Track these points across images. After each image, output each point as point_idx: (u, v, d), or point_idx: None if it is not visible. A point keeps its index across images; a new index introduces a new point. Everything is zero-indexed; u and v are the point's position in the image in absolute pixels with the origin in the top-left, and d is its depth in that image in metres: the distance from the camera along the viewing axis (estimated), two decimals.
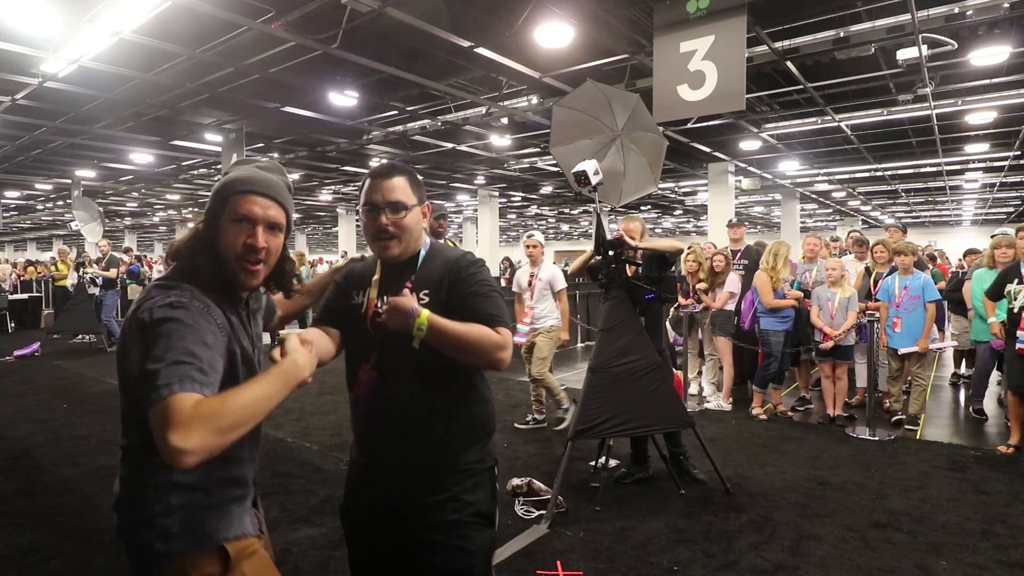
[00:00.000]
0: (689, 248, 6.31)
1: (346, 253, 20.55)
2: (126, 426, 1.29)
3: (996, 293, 4.66)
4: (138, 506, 1.24)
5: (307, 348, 1.28)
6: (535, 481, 3.62)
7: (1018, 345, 4.36)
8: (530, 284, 5.17)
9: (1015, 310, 4.41)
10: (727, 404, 5.91)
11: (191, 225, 1.34)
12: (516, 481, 3.63)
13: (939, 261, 9.49)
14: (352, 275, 1.73)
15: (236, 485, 1.33)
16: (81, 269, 10.36)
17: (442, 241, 5.35)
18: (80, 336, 10.68)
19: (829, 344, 5.24)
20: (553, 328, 5.13)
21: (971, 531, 3.24)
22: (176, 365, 1.08)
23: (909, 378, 5.41)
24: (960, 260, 8.69)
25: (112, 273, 9.70)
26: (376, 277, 1.65)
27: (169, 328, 1.14)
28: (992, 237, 5.59)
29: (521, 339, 5.12)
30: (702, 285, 6.02)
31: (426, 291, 1.56)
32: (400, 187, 1.58)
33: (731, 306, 5.93)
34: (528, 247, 5.23)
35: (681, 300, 6.17)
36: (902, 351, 5.23)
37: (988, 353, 5.34)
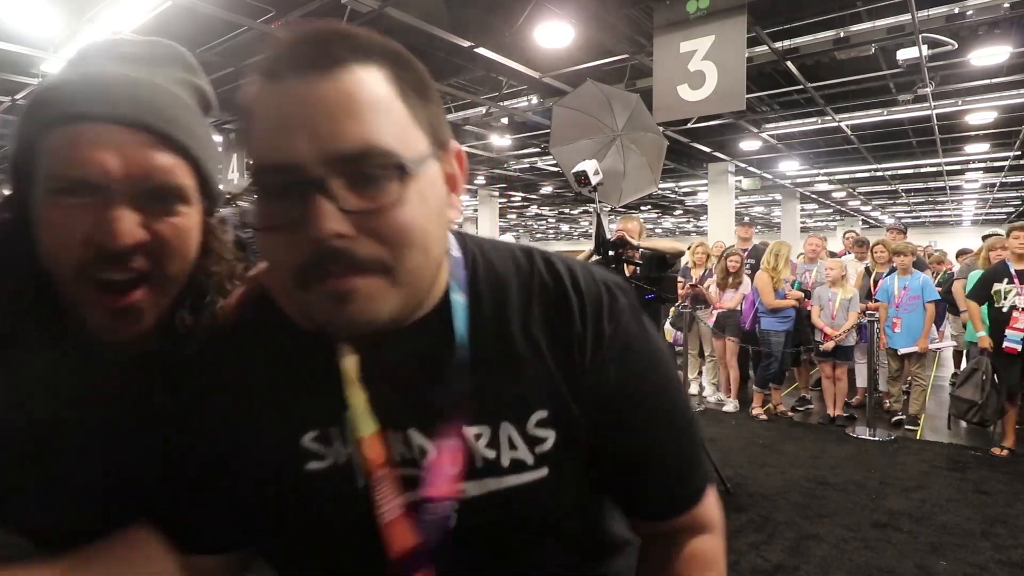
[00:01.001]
0: (698, 244, 6.36)
1: None
2: None
3: (982, 295, 4.60)
4: None
5: None
6: None
7: (1007, 344, 4.33)
8: None
9: (1004, 309, 4.38)
10: (733, 404, 5.93)
11: None
12: None
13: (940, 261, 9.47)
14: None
15: None
16: None
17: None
18: None
19: (830, 345, 5.24)
20: None
21: (971, 531, 3.24)
22: None
23: (909, 378, 5.40)
24: (947, 261, 8.65)
25: None
26: (351, 376, 0.59)
27: None
28: (985, 239, 5.57)
29: None
30: (712, 292, 6.01)
31: (545, 412, 0.60)
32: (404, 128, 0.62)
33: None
34: None
35: (680, 291, 6.19)
36: (902, 351, 5.23)
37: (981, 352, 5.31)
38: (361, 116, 0.50)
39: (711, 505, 0.71)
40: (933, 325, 5.40)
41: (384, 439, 0.57)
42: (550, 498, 0.60)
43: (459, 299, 0.60)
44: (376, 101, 0.51)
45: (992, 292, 4.51)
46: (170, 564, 0.62)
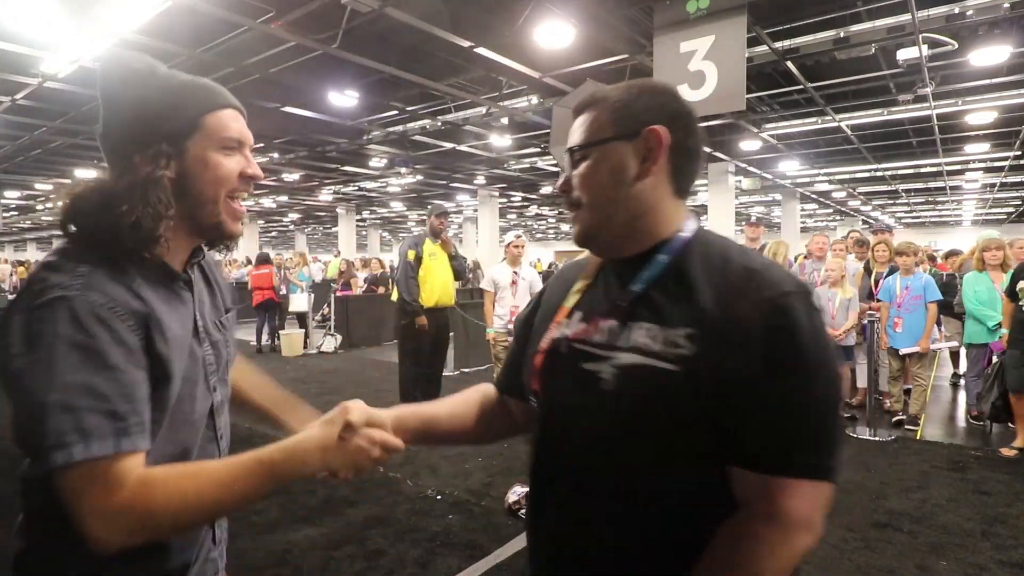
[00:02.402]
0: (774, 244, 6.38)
1: (339, 252, 20.55)
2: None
3: (1012, 291, 4.57)
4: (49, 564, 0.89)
5: (372, 438, 0.89)
6: None
7: None
8: (513, 283, 5.15)
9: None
10: None
11: (80, 178, 1.00)
12: (512, 497, 3.52)
13: (939, 261, 9.46)
14: (555, 285, 1.06)
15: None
16: None
17: (439, 240, 5.36)
18: None
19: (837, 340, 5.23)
20: None
21: (971, 531, 3.24)
22: (72, 412, 0.75)
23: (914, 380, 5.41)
24: (942, 262, 8.62)
25: None
26: (581, 284, 0.99)
27: (55, 350, 0.76)
28: (978, 240, 5.55)
29: (502, 331, 5.05)
30: None
31: (691, 330, 0.81)
32: (581, 123, 0.92)
33: None
34: (516, 247, 5.21)
35: None
36: (903, 351, 5.23)
37: (981, 356, 5.25)
38: (577, 130, 0.92)
39: (803, 499, 0.77)
40: (935, 325, 5.40)
41: (570, 314, 0.96)
42: (675, 391, 0.79)
43: (662, 258, 0.87)
44: (590, 121, 0.91)
45: (1017, 290, 4.48)
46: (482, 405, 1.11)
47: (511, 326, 5.02)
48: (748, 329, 0.77)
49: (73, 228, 0.88)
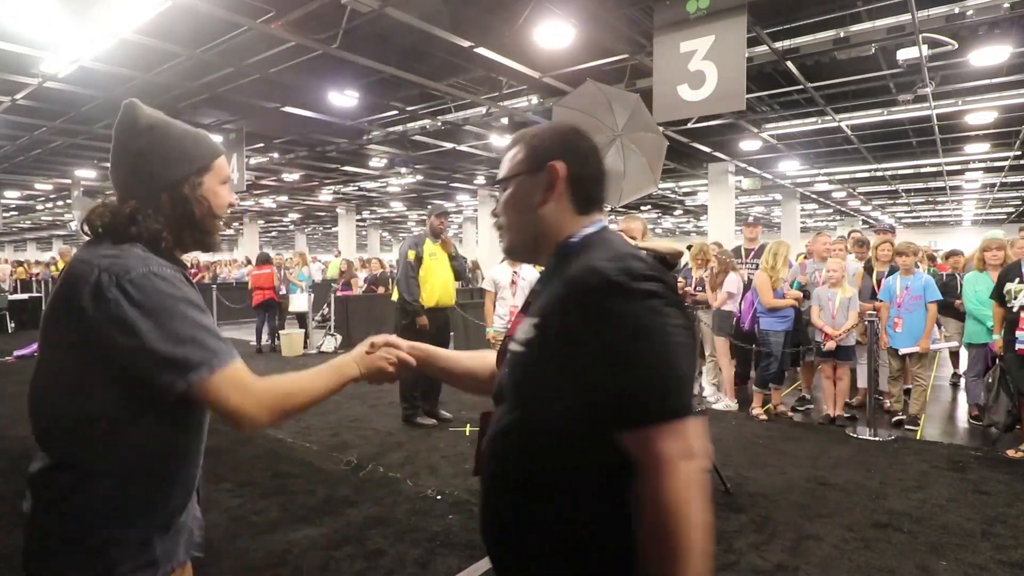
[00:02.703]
0: (699, 244, 6.40)
1: (339, 252, 20.54)
2: (55, 439, 1.18)
3: (999, 294, 4.59)
4: (68, 538, 1.09)
5: (388, 353, 1.30)
6: None
7: (1018, 346, 4.32)
8: (513, 283, 5.07)
9: (1014, 309, 4.37)
10: (733, 403, 5.95)
11: (108, 197, 1.19)
12: None
13: (939, 261, 9.45)
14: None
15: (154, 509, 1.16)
16: None
17: (439, 240, 5.36)
18: None
19: (832, 345, 5.24)
20: None
21: (971, 531, 3.24)
22: (197, 343, 1.06)
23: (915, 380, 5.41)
24: (942, 262, 8.61)
25: None
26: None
27: (169, 303, 1.06)
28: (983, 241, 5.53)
29: (502, 330, 4.96)
30: (704, 295, 6.04)
31: (536, 320, 0.99)
32: (508, 158, 1.13)
33: (731, 306, 5.93)
34: None
35: (683, 289, 6.20)
36: (903, 351, 5.23)
37: (981, 356, 5.23)
38: (503, 165, 1.13)
39: (671, 439, 0.85)
40: (935, 325, 5.40)
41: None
42: (525, 369, 1.00)
43: (551, 262, 1.07)
44: (510, 157, 1.12)
45: (1004, 292, 4.48)
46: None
47: (497, 319, 5.05)
48: (559, 306, 0.95)
49: (113, 232, 1.14)
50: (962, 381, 6.72)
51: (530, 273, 5.07)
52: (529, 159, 1.08)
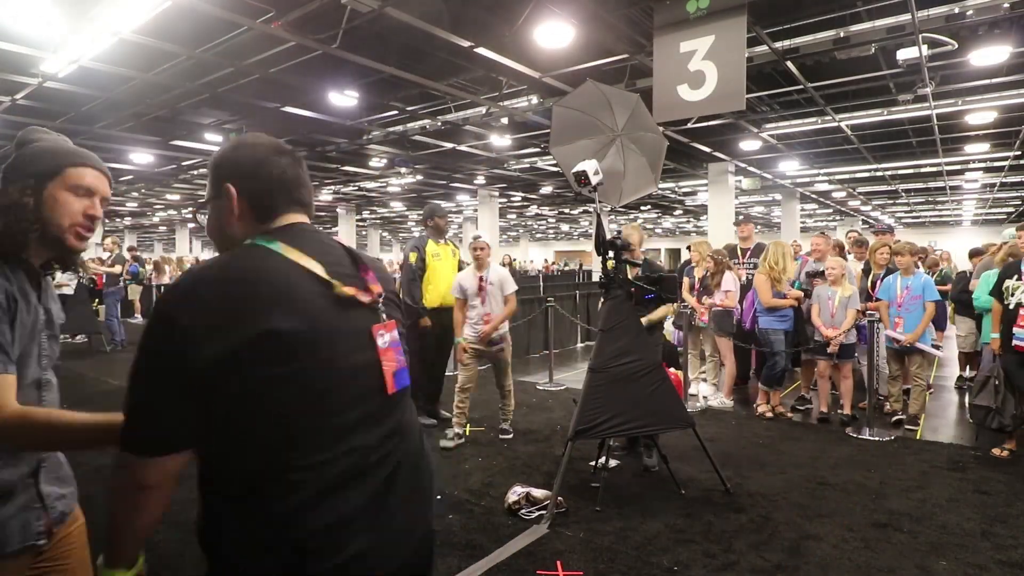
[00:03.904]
0: (700, 243, 6.42)
1: None
2: None
3: (998, 291, 4.52)
4: None
5: None
6: (533, 491, 3.53)
7: (1015, 342, 4.29)
8: (481, 288, 4.72)
9: (1011, 306, 4.32)
10: (729, 400, 5.95)
11: None
12: (512, 497, 3.51)
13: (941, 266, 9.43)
14: None
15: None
16: (81, 270, 10.43)
17: (443, 240, 5.36)
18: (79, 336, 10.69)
19: (835, 347, 5.23)
20: (506, 335, 4.88)
21: (971, 531, 3.24)
22: None
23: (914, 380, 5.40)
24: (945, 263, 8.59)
25: (116, 269, 9.85)
26: None
27: None
28: (1007, 238, 5.45)
29: (472, 337, 4.73)
30: (702, 304, 6.04)
31: None
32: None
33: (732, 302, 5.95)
34: (477, 249, 4.78)
35: (685, 293, 6.21)
36: (903, 338, 5.23)
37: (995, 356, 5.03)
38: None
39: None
40: (933, 327, 5.38)
41: None
42: None
43: None
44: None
45: (1003, 288, 4.41)
46: None
47: (467, 329, 4.75)
48: None
49: None
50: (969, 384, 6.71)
51: (497, 274, 4.81)
52: (212, 184, 1.17)
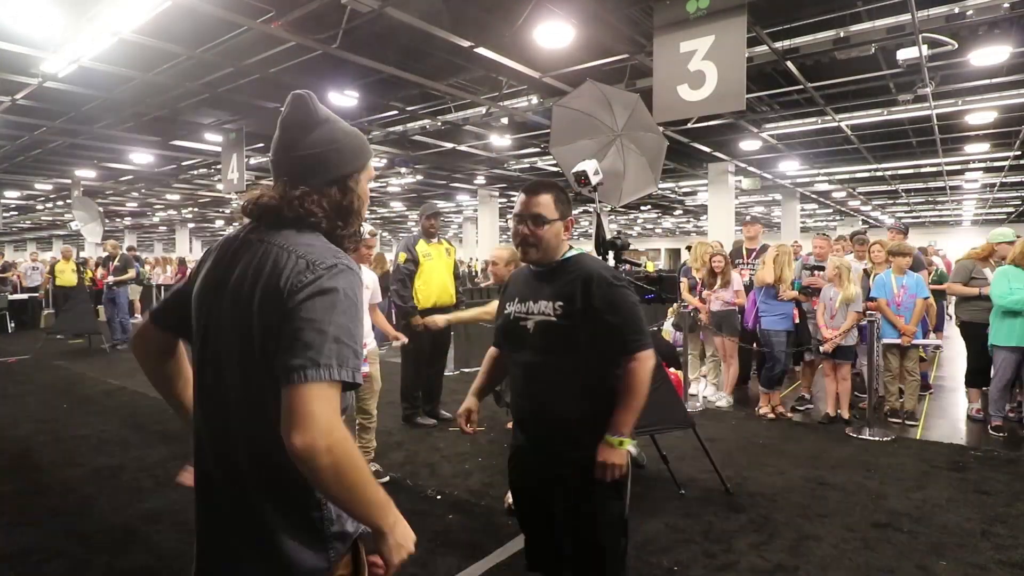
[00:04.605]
0: (699, 244, 6.41)
1: None
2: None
3: None
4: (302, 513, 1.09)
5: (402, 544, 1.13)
6: None
7: None
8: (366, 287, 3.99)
9: None
10: (729, 398, 5.95)
11: (266, 183, 1.22)
12: (512, 498, 3.52)
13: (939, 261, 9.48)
14: (506, 286, 2.08)
15: None
16: (82, 269, 10.49)
17: (435, 240, 5.34)
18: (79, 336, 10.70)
19: (829, 347, 5.24)
20: (374, 351, 4.05)
21: (971, 531, 3.24)
22: (338, 344, 0.99)
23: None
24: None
25: (131, 274, 10.14)
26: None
27: (338, 299, 1.03)
28: (1011, 241, 5.38)
29: (364, 367, 3.82)
30: (706, 294, 6.05)
31: (561, 302, 1.80)
32: (543, 202, 1.84)
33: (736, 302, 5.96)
34: (368, 247, 4.07)
35: (685, 294, 6.21)
36: (889, 341, 5.27)
37: (1012, 362, 4.85)
38: (539, 206, 1.87)
39: (642, 357, 1.79)
40: (929, 325, 5.40)
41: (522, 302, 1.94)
42: (558, 330, 1.82)
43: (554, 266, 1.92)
44: (545, 203, 1.87)
45: None
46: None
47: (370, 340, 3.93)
48: (584, 288, 1.83)
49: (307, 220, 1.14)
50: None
51: (370, 279, 3.94)
52: (559, 209, 1.88)
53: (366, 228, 3.81)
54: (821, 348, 5.31)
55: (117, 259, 10.01)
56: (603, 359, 1.80)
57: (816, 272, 5.66)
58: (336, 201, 1.17)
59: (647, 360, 1.77)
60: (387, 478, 3.97)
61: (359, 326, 1.07)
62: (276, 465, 1.02)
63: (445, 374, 5.66)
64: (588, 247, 4.17)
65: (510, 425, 4.92)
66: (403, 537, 1.10)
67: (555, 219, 1.84)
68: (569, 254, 1.90)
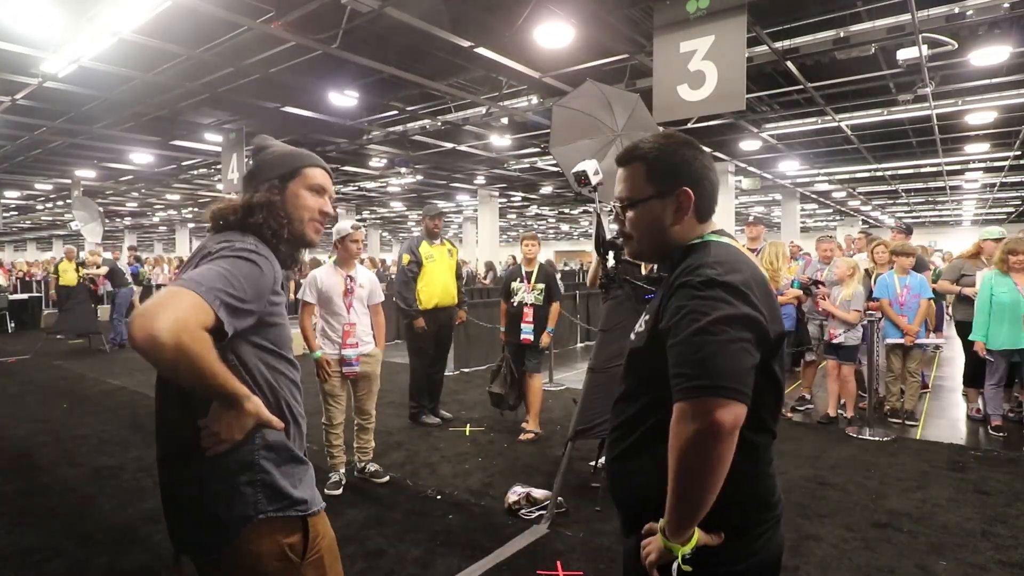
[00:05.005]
0: None
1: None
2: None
3: None
4: (225, 473, 1.25)
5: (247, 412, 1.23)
6: (533, 491, 3.53)
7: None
8: (348, 291, 3.74)
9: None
10: None
11: (233, 196, 1.45)
12: (512, 497, 3.50)
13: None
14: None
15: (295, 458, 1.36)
16: (82, 269, 10.51)
17: (437, 241, 5.34)
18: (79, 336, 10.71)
19: (838, 335, 5.21)
20: (375, 353, 3.90)
21: (971, 531, 3.24)
22: (214, 288, 1.16)
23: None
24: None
25: (126, 279, 10.44)
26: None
27: (235, 262, 1.23)
28: (997, 239, 5.45)
29: (334, 356, 3.72)
30: None
31: (647, 316, 1.26)
32: (626, 176, 1.31)
33: None
34: (353, 242, 3.75)
35: None
36: (892, 341, 5.27)
37: (999, 361, 4.95)
38: (624, 182, 1.30)
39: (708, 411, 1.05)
40: (929, 324, 5.40)
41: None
42: (635, 358, 1.29)
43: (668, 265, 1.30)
44: (631, 176, 1.29)
45: None
46: None
47: (347, 352, 3.69)
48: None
49: (221, 223, 1.39)
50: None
51: (367, 277, 3.89)
52: (653, 180, 1.27)
53: (348, 223, 3.80)
54: (821, 301, 5.27)
55: (101, 267, 10.19)
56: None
57: (819, 286, 5.61)
58: (248, 202, 1.39)
59: (700, 416, 1.04)
60: (387, 478, 3.95)
61: (249, 282, 1.23)
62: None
63: (445, 374, 5.67)
64: (588, 247, 4.16)
65: (523, 436, 4.93)
66: (256, 408, 1.22)
67: (647, 197, 1.27)
68: (695, 242, 1.27)
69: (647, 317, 1.25)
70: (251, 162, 1.49)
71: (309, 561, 1.30)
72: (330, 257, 4.28)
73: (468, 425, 5.27)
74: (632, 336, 1.30)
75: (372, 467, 3.97)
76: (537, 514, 3.39)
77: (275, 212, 1.39)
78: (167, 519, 1.36)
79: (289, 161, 1.46)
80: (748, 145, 12.14)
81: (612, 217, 1.40)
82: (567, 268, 29.00)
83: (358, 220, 19.59)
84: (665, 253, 1.30)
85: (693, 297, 1.10)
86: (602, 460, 3.85)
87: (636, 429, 1.25)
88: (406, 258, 5.19)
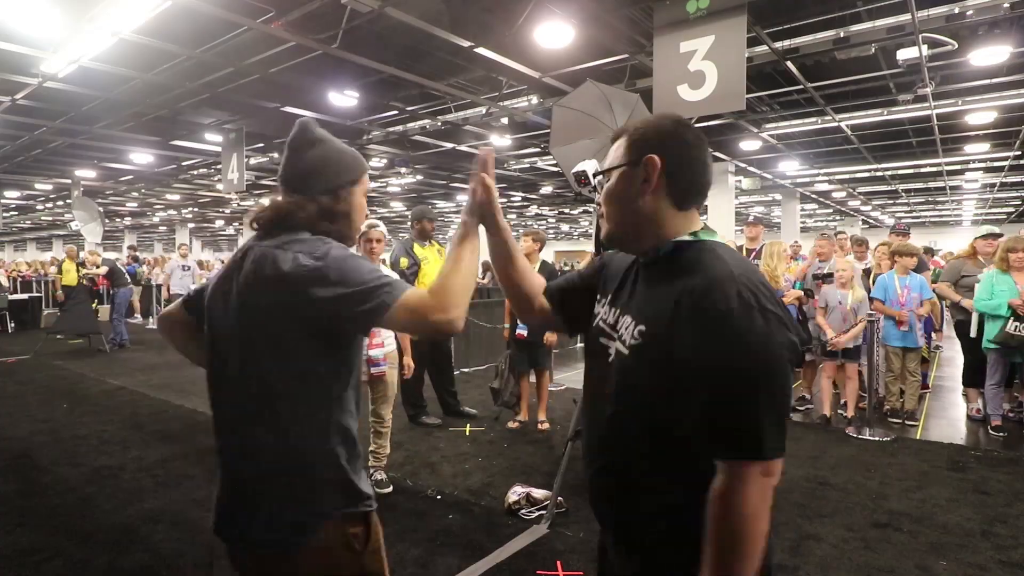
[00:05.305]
0: None
1: None
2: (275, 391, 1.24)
3: None
4: (300, 467, 1.26)
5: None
6: (533, 491, 3.53)
7: None
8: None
9: None
10: None
11: (278, 198, 1.40)
12: (513, 497, 3.50)
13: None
14: (607, 267, 1.32)
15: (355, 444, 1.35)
16: (82, 269, 10.53)
17: (427, 243, 5.33)
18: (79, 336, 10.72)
19: (841, 340, 5.19)
20: (393, 356, 3.92)
21: (971, 531, 3.24)
22: (385, 282, 1.20)
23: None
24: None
25: (126, 279, 10.38)
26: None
27: (356, 262, 1.24)
28: (993, 238, 5.47)
29: (383, 367, 3.77)
30: None
31: (643, 326, 1.06)
32: (612, 150, 1.19)
33: None
34: (373, 241, 3.70)
35: None
36: (898, 315, 5.29)
37: (999, 360, 4.98)
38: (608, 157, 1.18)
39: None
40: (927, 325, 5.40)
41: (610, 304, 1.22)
42: (631, 372, 1.08)
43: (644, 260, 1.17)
44: (615, 148, 1.17)
45: None
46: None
47: (374, 352, 3.76)
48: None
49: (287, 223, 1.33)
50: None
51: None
52: (629, 151, 1.13)
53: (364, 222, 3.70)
54: (828, 346, 5.27)
55: (101, 267, 10.20)
56: (698, 447, 0.98)
57: (824, 281, 5.60)
58: (327, 207, 1.35)
59: (758, 483, 0.93)
60: (389, 489, 3.80)
61: (365, 262, 1.25)
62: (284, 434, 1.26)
63: (452, 373, 5.75)
64: (588, 247, 4.16)
65: (541, 426, 4.97)
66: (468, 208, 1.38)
67: (618, 165, 1.14)
68: (687, 239, 1.10)
69: (642, 328, 1.06)
70: (304, 152, 1.39)
71: (370, 550, 1.33)
72: None
73: (468, 425, 5.28)
74: (619, 339, 1.12)
75: (380, 475, 3.86)
76: (537, 514, 3.39)
77: (350, 223, 1.40)
78: (231, 518, 1.33)
79: (355, 164, 1.43)
80: (748, 145, 12.14)
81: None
82: (567, 268, 29.01)
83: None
84: (638, 235, 1.13)
85: (728, 320, 0.93)
86: None
87: (648, 462, 1.09)
88: (404, 261, 5.17)
